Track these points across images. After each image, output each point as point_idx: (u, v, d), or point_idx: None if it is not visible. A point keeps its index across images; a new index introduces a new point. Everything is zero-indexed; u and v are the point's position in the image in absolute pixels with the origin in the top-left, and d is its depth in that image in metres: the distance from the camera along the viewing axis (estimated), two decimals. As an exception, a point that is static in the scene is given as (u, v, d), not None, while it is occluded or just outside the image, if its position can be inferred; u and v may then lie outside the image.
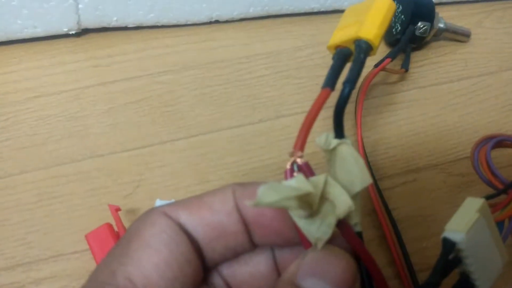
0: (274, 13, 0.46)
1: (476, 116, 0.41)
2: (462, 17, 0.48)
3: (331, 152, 0.21)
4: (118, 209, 0.31)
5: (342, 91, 0.21)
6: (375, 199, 0.35)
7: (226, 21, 0.45)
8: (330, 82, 0.21)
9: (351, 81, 0.21)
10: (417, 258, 0.33)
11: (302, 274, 0.19)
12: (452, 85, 0.42)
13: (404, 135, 0.39)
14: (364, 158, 0.37)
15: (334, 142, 0.20)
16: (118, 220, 0.30)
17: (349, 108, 0.39)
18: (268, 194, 0.17)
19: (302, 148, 0.20)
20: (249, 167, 0.37)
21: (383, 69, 0.40)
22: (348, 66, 0.23)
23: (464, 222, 0.22)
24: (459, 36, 0.45)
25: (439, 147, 0.39)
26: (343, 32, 0.23)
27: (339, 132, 0.21)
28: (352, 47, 0.22)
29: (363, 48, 0.22)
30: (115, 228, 0.30)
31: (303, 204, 0.18)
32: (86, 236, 0.30)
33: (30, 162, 0.36)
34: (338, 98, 0.21)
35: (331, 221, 0.19)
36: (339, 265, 0.19)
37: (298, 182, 0.18)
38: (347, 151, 0.20)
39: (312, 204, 0.19)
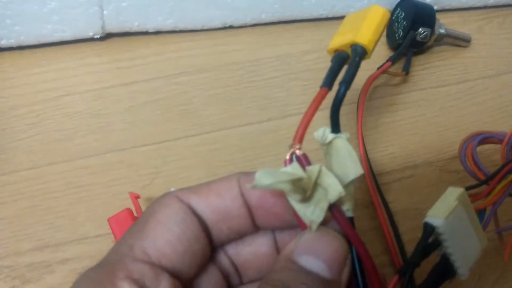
0: (284, 19, 0.49)
1: (473, 117, 0.43)
2: (464, 23, 0.50)
3: (327, 146, 0.23)
4: (137, 197, 0.34)
5: (338, 90, 0.23)
6: (373, 192, 0.38)
7: (239, 27, 0.48)
8: (328, 82, 0.23)
9: (347, 82, 0.23)
10: (411, 248, 0.35)
11: (298, 251, 0.21)
12: (451, 88, 0.45)
13: (403, 134, 0.42)
14: (364, 155, 0.39)
15: (330, 136, 0.23)
16: (137, 206, 0.33)
17: (352, 108, 0.42)
18: (264, 178, 0.20)
19: (300, 140, 0.22)
20: (257, 162, 0.40)
21: (385, 71, 0.42)
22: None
23: (443, 209, 0.25)
24: (460, 41, 0.47)
25: (436, 145, 0.41)
26: (341, 37, 0.25)
27: (335, 127, 0.23)
28: (349, 51, 0.24)
29: (359, 52, 0.24)
30: (135, 214, 0.34)
31: (298, 188, 0.21)
32: (108, 220, 0.33)
33: (58, 155, 0.40)
34: (334, 97, 0.23)
35: (324, 205, 0.21)
36: (331, 244, 0.21)
37: (293, 169, 0.21)
38: (341, 144, 0.23)
39: (306, 190, 0.21)
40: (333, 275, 0.20)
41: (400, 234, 0.36)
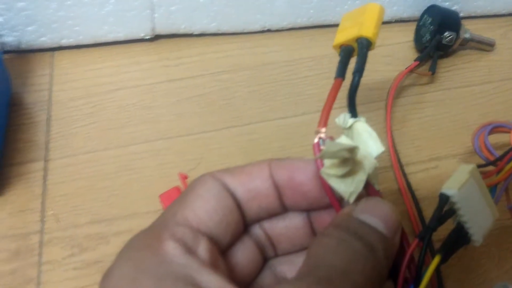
0: (318, 23, 0.53)
1: (495, 115, 0.46)
2: (489, 29, 0.53)
3: (348, 129, 0.25)
4: (185, 177, 0.38)
5: (353, 79, 0.25)
6: (401, 181, 0.41)
7: (277, 30, 0.52)
8: (341, 73, 0.26)
9: (359, 71, 0.25)
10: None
11: (357, 211, 0.23)
12: (475, 88, 0.48)
13: (429, 129, 0.45)
14: (392, 147, 0.43)
15: (351, 121, 0.25)
16: (185, 185, 0.37)
17: (381, 105, 0.46)
18: (331, 146, 0.22)
19: (325, 125, 0.24)
20: (291, 151, 0.43)
21: (412, 71, 0.46)
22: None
23: (457, 182, 0.27)
24: (484, 45, 0.50)
25: (459, 140, 0.44)
26: (345, 33, 0.27)
27: (353, 112, 0.26)
28: (354, 44, 0.27)
29: (365, 44, 0.26)
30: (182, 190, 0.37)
31: (344, 160, 0.23)
32: (160, 196, 0.37)
33: (112, 141, 0.44)
34: (350, 85, 0.25)
35: (362, 177, 0.23)
36: (387, 208, 0.23)
37: (345, 140, 0.24)
38: (362, 127, 0.25)
39: (351, 161, 0.23)
40: (389, 233, 0.22)
41: (424, 218, 0.39)
